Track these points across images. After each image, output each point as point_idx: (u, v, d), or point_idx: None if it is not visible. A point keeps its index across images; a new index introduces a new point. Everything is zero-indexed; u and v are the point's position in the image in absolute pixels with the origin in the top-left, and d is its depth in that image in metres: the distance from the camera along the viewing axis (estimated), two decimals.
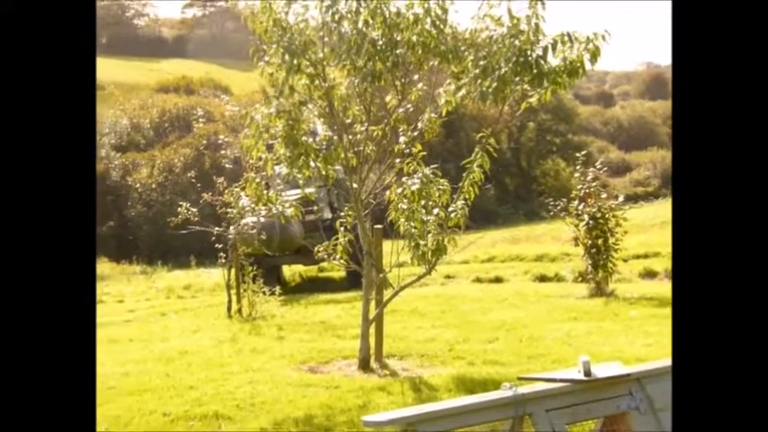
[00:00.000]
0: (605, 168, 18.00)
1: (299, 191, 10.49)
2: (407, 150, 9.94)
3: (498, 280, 20.02)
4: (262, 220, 14.61)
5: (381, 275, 10.33)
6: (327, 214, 20.28)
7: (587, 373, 5.18)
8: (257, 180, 10.21)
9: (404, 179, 9.76)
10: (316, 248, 10.31)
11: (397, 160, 10.03)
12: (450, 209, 9.66)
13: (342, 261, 10.29)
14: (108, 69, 61.08)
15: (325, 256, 10.33)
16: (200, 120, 42.42)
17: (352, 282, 18.60)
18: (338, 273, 21.92)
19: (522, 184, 50.62)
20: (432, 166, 9.76)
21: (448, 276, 20.78)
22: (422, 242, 9.60)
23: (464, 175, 9.75)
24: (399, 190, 9.64)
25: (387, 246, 10.42)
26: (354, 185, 10.09)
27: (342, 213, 10.60)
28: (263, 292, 15.42)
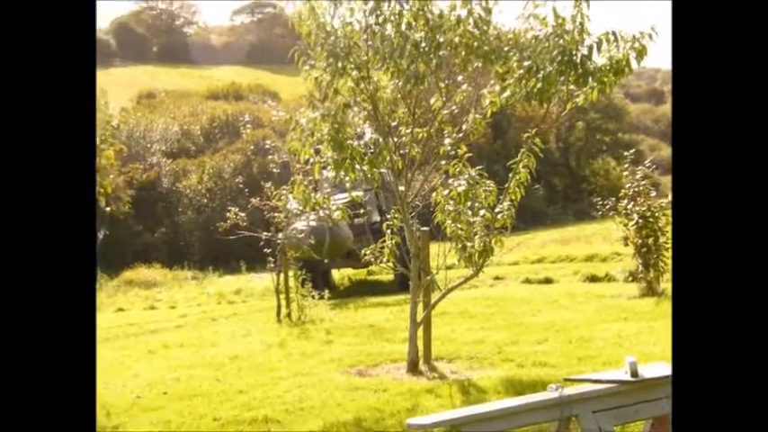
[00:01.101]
0: (655, 167, 17.78)
1: (346, 194, 10.46)
2: (453, 152, 9.90)
3: (548, 281, 19.82)
4: (311, 224, 14.60)
5: (429, 278, 10.31)
6: (375, 217, 20.21)
7: (634, 373, 5.12)
8: (305, 183, 10.21)
9: (450, 181, 9.74)
10: (363, 251, 10.30)
11: (443, 162, 10.00)
12: (496, 210, 9.64)
13: (389, 264, 10.29)
14: (159, 77, 61.74)
15: (372, 259, 10.34)
16: (248, 125, 42.36)
17: (400, 284, 18.43)
18: (387, 276, 21.68)
19: (572, 184, 50.18)
20: (477, 168, 9.73)
21: (497, 278, 20.61)
22: (468, 244, 9.61)
23: (510, 175, 9.74)
24: (446, 192, 9.62)
25: (434, 248, 10.38)
26: (401, 188, 10.07)
27: (389, 216, 10.58)
28: (312, 296, 15.46)
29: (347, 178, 9.85)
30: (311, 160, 9.82)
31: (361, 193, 15.51)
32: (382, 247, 10.29)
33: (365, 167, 9.84)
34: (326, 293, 15.85)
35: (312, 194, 10.30)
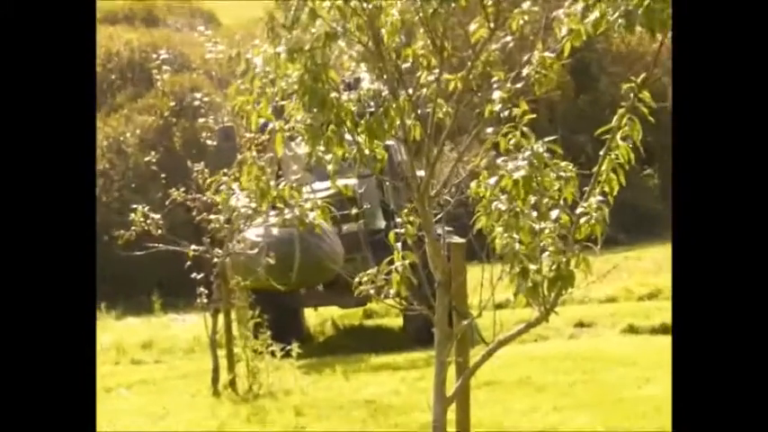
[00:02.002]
0: None
1: (329, 184, 6.76)
2: (506, 113, 6.28)
3: (665, 330, 13.78)
4: (271, 232, 10.30)
5: (466, 323, 6.50)
6: (378, 221, 14.75)
7: None
8: (260, 165, 6.58)
9: (500, 161, 6.15)
10: (356, 279, 6.41)
11: (489, 130, 6.40)
12: (578, 210, 6.08)
13: (400, 300, 6.39)
14: None
15: (373, 292, 6.41)
16: (167, 67, 22.44)
17: (418, 334, 13.05)
18: (396, 320, 15.63)
19: None
20: (547, 139, 6.11)
21: (581, 324, 15.14)
22: (532, 266, 6.04)
23: (602, 153, 6.11)
24: (493, 179, 6.09)
25: (474, 273, 6.73)
26: (419, 173, 6.37)
27: (400, 220, 6.79)
28: (273, 353, 10.85)
29: (330, 157, 6.26)
30: (271, 126, 6.39)
31: (353, 182, 10.47)
32: (389, 272, 6.37)
33: (360, 138, 6.21)
34: (296, 348, 11.17)
35: (272, 183, 6.67)
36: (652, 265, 19.72)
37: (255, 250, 10.31)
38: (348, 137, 6.14)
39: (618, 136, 6.03)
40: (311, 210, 6.53)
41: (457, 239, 6.76)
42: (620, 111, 6.02)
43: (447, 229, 6.61)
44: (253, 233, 10.45)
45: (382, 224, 14.56)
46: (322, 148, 6.16)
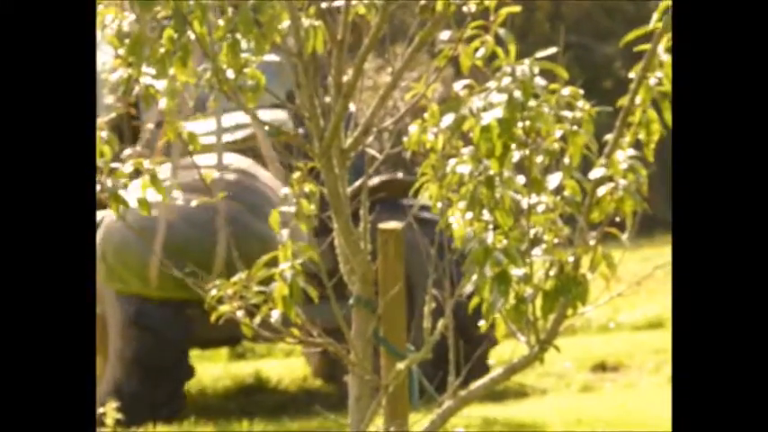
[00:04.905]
0: None
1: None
2: (471, 8, 3.94)
3: None
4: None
5: (402, 365, 3.94)
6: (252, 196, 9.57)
7: None
8: None
9: (460, 89, 3.89)
10: (209, 288, 3.79)
11: (444, 35, 4.10)
12: (594, 174, 3.74)
13: (287, 329, 3.81)
14: None
15: (241, 315, 3.78)
16: None
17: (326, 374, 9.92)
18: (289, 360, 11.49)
19: None
20: (543, 53, 3.70)
21: (602, 367, 10.02)
22: (516, 270, 3.68)
23: (635, 75, 3.78)
24: (447, 119, 3.70)
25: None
26: (323, 120, 3.90)
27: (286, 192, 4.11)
28: None
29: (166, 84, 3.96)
30: None
31: (282, 116, 7.37)
32: (268, 280, 3.81)
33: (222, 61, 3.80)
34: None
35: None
36: None
37: None
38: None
39: (660, 45, 3.73)
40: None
41: (392, 224, 4.16)
42: (665, 2, 3.69)
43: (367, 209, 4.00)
44: None
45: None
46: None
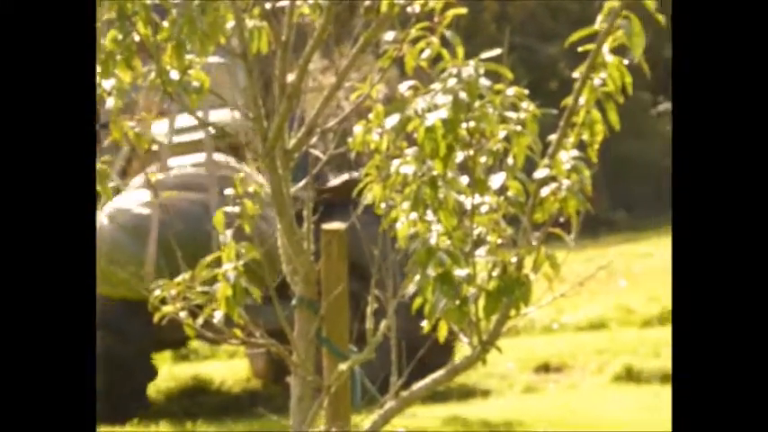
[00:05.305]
0: None
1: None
2: (416, 8, 3.88)
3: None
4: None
5: (344, 367, 3.90)
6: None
7: None
8: None
9: (405, 89, 3.82)
10: (154, 288, 3.74)
11: (389, 36, 3.97)
12: (538, 174, 3.68)
13: (230, 330, 3.76)
14: None
15: (184, 316, 3.73)
16: None
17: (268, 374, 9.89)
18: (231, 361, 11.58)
19: None
20: (489, 54, 3.68)
21: (545, 368, 9.92)
22: (459, 271, 3.63)
23: (578, 75, 3.71)
24: (392, 120, 3.62)
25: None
26: (267, 121, 3.88)
27: (229, 192, 4.04)
28: None
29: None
30: None
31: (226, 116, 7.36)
32: (211, 280, 3.76)
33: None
34: None
35: None
36: (668, 264, 13.40)
37: None
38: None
39: (605, 46, 3.70)
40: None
41: (335, 225, 4.12)
42: (610, 2, 3.68)
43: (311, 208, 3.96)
44: None
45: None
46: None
